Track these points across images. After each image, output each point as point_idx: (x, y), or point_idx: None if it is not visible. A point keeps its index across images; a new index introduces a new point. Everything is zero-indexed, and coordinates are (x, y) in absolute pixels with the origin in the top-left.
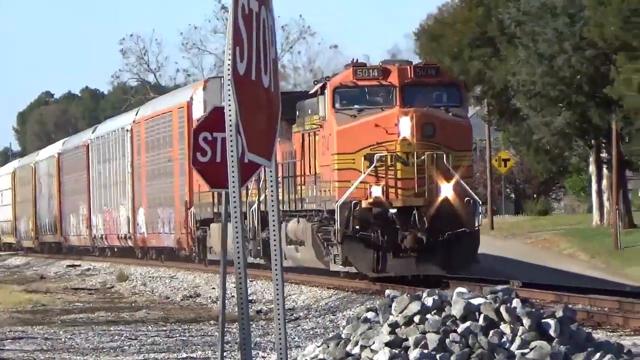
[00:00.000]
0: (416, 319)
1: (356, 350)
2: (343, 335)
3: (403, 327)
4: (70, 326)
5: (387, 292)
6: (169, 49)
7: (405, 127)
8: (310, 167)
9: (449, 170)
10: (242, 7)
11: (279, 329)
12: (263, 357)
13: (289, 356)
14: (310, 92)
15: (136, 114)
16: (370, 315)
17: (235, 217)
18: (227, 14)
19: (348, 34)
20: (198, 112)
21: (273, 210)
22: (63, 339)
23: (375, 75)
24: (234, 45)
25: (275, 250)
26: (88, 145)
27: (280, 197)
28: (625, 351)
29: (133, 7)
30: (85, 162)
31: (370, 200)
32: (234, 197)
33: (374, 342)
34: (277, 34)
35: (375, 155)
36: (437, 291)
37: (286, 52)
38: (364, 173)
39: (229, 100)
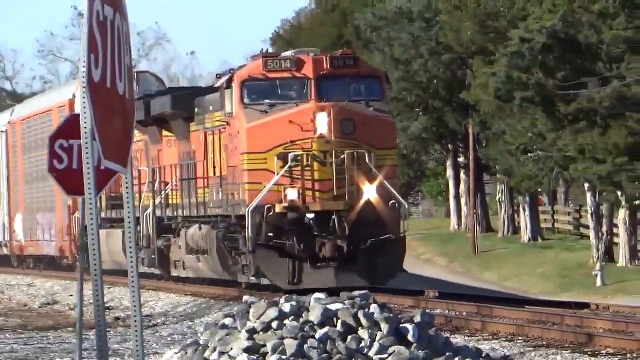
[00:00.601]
0: (274, 324)
1: (214, 356)
2: (201, 342)
3: (261, 333)
4: None
5: (245, 298)
6: (25, 56)
7: (323, 123)
8: (214, 168)
9: (372, 170)
10: (96, 14)
11: (136, 336)
12: None
13: None
14: (214, 87)
15: (11, 114)
16: (228, 321)
17: (92, 224)
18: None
19: (205, 41)
20: None
21: (129, 216)
22: None
23: (288, 66)
24: (89, 52)
25: (131, 255)
26: None
27: (179, 202)
28: (483, 355)
29: None
30: None
31: (285, 204)
32: (91, 204)
33: (232, 348)
34: (134, 40)
35: (290, 155)
36: (294, 297)
37: (143, 58)
38: (278, 174)
39: (84, 107)
